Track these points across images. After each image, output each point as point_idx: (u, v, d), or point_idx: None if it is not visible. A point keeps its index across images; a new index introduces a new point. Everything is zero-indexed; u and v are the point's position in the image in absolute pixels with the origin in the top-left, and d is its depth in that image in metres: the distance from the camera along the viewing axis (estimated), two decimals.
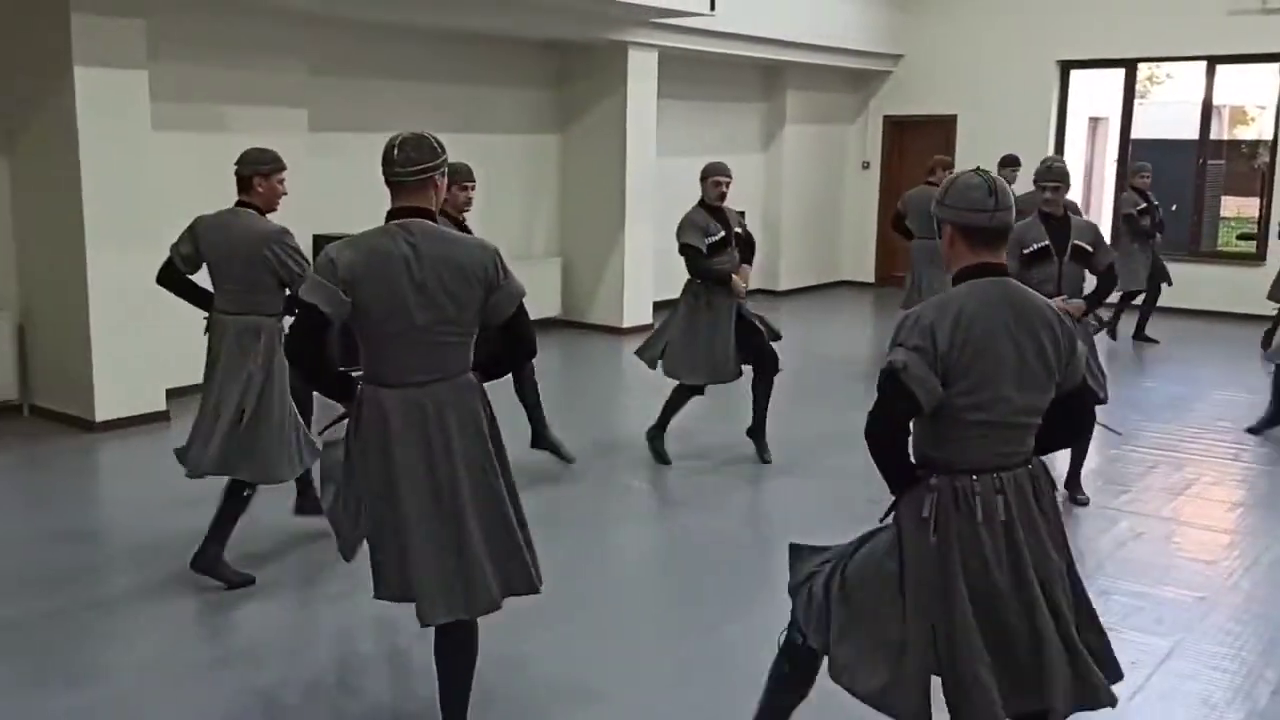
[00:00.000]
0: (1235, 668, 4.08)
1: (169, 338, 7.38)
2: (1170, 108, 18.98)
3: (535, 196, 11.01)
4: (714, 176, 6.35)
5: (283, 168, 4.68)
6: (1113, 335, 10.52)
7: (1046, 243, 5.58)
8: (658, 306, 11.43)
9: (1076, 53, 12.92)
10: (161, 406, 7.23)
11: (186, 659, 4.02)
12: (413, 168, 3.09)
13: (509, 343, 3.28)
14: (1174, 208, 11.66)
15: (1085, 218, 6.40)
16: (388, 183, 3.13)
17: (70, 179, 6.75)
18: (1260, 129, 14.02)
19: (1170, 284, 10.67)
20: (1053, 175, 5.68)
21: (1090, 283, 5.70)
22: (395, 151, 3.09)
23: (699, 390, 6.46)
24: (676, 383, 6.45)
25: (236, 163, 4.63)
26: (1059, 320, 2.72)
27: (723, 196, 6.36)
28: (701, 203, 6.39)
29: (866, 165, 14.56)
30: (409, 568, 3.11)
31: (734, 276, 6.28)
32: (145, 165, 7.05)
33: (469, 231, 5.60)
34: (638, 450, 6.70)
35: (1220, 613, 4.57)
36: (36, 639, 4.14)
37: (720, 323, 6.25)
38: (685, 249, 6.30)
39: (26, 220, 7.18)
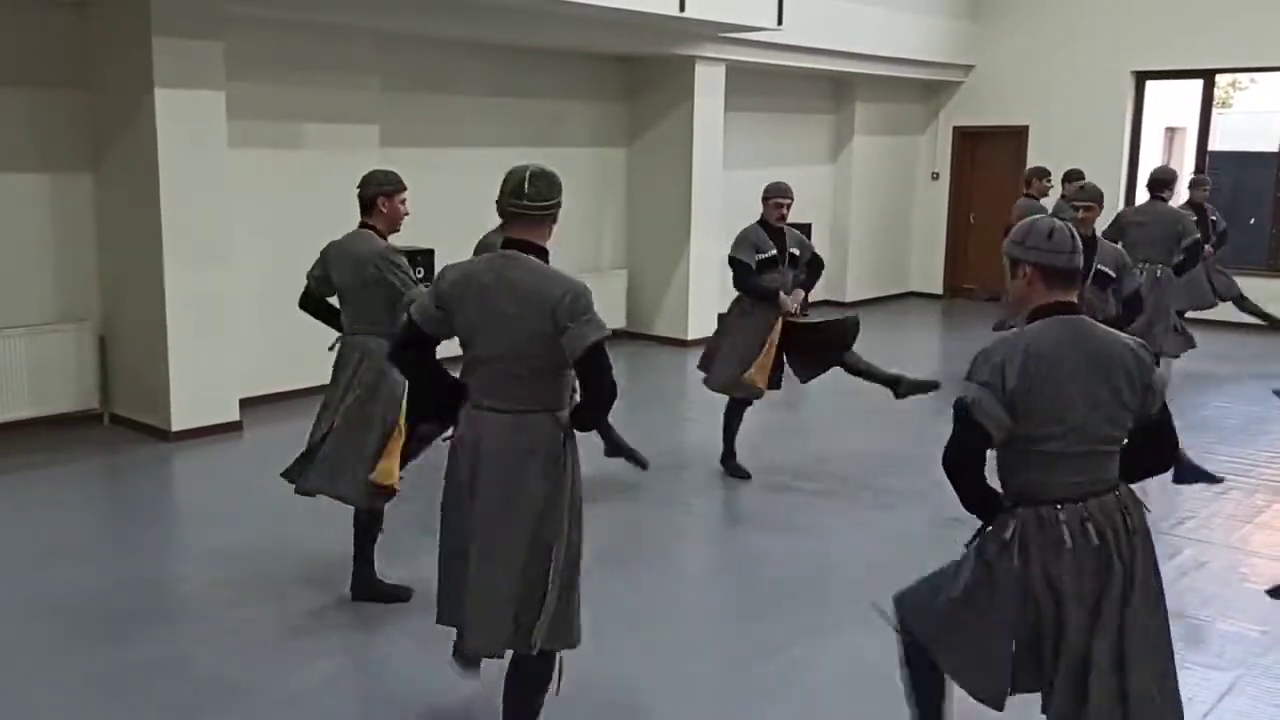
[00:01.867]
0: None
1: (243, 350, 7.64)
2: (1253, 118, 18.49)
3: (602, 209, 11.11)
4: (774, 198, 6.37)
5: (403, 188, 4.68)
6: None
7: None
8: (722, 319, 11.47)
9: (1152, 63, 12.67)
10: (235, 417, 7.45)
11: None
12: (540, 202, 3.14)
13: (583, 387, 3.19)
14: (1251, 221, 11.34)
15: (1112, 243, 6.31)
16: (506, 211, 3.16)
17: (150, 195, 7.00)
18: None
19: (1221, 300, 10.29)
20: (1086, 195, 5.70)
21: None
22: (526, 185, 3.12)
23: (747, 402, 6.49)
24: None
25: (359, 185, 4.68)
26: (1133, 354, 2.79)
27: (783, 218, 6.38)
28: (762, 221, 6.42)
29: (936, 176, 14.43)
30: (460, 592, 3.19)
31: (781, 294, 6.29)
32: (221, 182, 7.28)
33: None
34: (701, 463, 6.74)
35: None
36: (113, 653, 4.32)
37: (756, 337, 6.28)
38: (733, 262, 6.36)
39: (109, 234, 7.46)
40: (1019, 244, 2.83)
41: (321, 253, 4.79)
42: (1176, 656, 4.24)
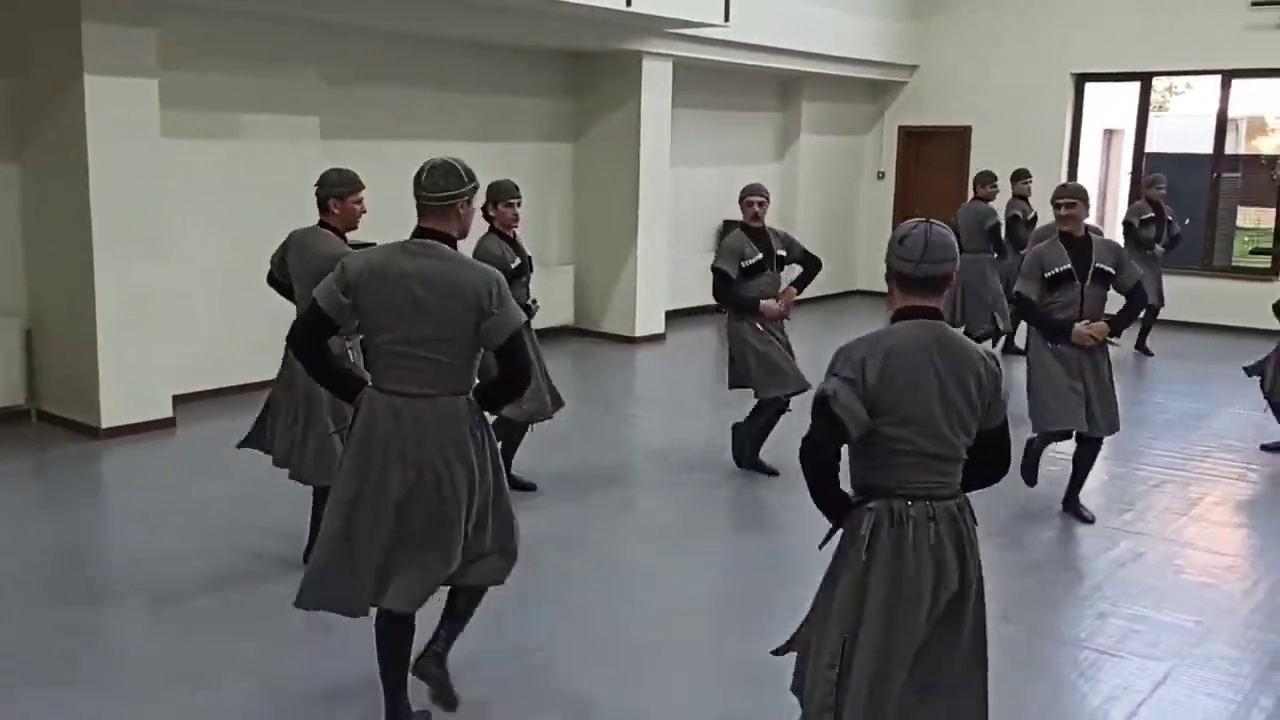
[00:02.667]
0: (1230, 695, 4.04)
1: (178, 345, 7.46)
2: (1188, 120, 18.85)
3: (549, 205, 11.03)
4: (746, 197, 6.29)
5: (357, 189, 4.77)
6: (1148, 351, 10.51)
7: (1068, 266, 5.54)
8: (670, 316, 11.46)
9: (1091, 65, 12.86)
10: (168, 414, 7.28)
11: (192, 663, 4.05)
12: (438, 194, 3.26)
13: (502, 372, 3.34)
14: (1186, 221, 11.56)
15: (1106, 237, 6.30)
16: (417, 203, 3.30)
17: (79, 185, 6.81)
18: (1279, 141, 13.89)
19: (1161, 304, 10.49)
20: (1067, 192, 5.62)
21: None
22: (424, 176, 3.28)
23: (786, 406, 6.34)
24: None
25: (316, 185, 4.79)
26: (984, 363, 2.84)
27: (757, 216, 6.25)
28: (744, 225, 6.33)
29: (882, 175, 14.53)
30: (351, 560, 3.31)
31: (761, 301, 6.20)
32: (155, 172, 7.10)
33: (519, 246, 5.75)
34: (646, 460, 6.69)
35: (1218, 638, 4.52)
36: (45, 646, 4.18)
37: (774, 333, 6.29)
38: (714, 271, 6.27)
39: (36, 226, 7.24)
40: (888, 248, 2.89)
41: (285, 239, 4.88)
42: (1114, 646, 4.30)
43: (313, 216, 4.82)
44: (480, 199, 3.46)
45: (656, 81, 10.77)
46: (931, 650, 2.82)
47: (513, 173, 10.37)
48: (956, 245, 2.85)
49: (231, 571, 4.90)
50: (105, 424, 6.98)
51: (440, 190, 3.25)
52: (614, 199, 10.97)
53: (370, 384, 3.33)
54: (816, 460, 2.84)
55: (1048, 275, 5.55)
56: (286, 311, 4.69)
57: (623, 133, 10.83)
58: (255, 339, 8.09)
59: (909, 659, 2.78)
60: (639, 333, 10.96)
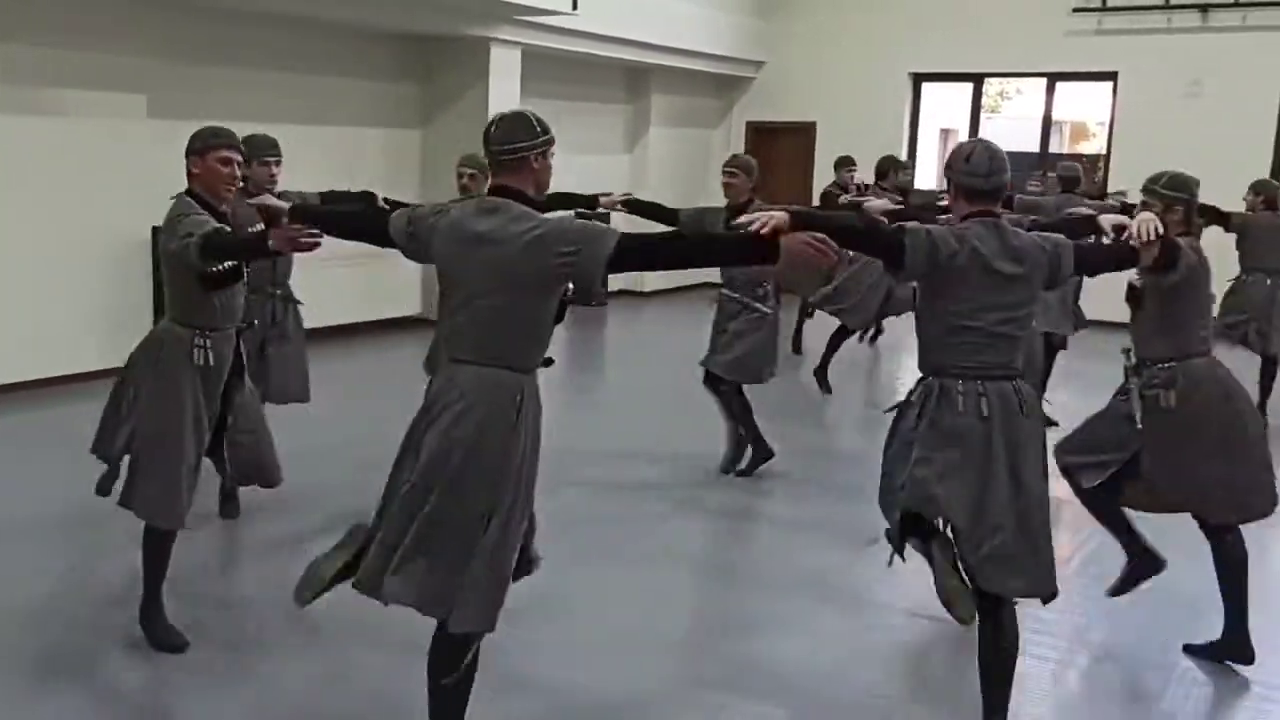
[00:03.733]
0: (1050, 654, 4.24)
1: None
2: (1018, 122, 19.81)
3: (395, 191, 10.67)
4: (458, 168, 6.28)
5: (219, 144, 3.97)
6: None
7: None
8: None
9: (927, 66, 13.38)
10: None
11: None
12: (507, 146, 2.98)
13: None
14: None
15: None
16: (489, 160, 3.04)
17: None
18: (1100, 144, 14.74)
19: None
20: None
21: None
22: (494, 129, 3.01)
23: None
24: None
25: None
26: (1042, 245, 3.41)
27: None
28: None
29: None
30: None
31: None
32: None
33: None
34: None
35: (1035, 601, 4.73)
36: None
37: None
38: None
39: None
40: (950, 167, 3.41)
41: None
42: (941, 612, 4.46)
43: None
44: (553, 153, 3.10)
45: (504, 69, 10.69)
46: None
47: (358, 157, 10.17)
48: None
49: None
50: None
51: (509, 142, 2.96)
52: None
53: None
54: (860, 239, 3.68)
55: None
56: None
57: (471, 120, 10.67)
58: (76, 326, 7.69)
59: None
60: None
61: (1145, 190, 4.03)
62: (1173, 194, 3.98)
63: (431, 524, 2.91)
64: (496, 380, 2.94)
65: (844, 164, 10.32)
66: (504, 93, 10.72)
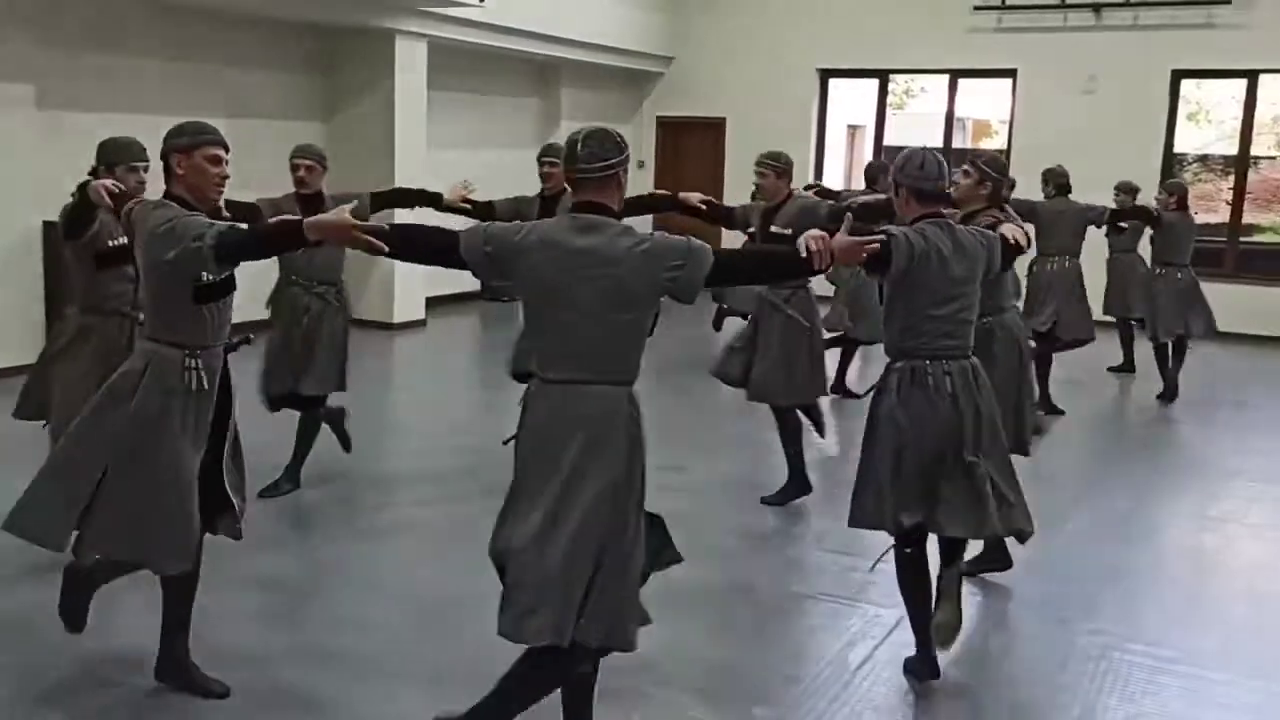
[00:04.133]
0: (961, 638, 4.33)
1: None
2: (923, 118, 20.19)
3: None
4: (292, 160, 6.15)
5: (126, 159, 4.27)
6: None
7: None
8: (430, 303, 11.25)
9: (834, 62, 13.55)
10: None
11: None
12: (596, 163, 2.99)
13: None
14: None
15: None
16: (572, 178, 3.04)
17: None
18: (1002, 141, 15.09)
19: None
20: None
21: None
22: (580, 147, 3.00)
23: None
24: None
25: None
26: (981, 240, 3.86)
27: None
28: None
29: (641, 165, 14.76)
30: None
31: None
32: None
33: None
34: (415, 445, 6.52)
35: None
36: None
37: None
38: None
39: None
40: (900, 173, 3.78)
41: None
42: (851, 598, 4.53)
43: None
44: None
45: (411, 62, 10.55)
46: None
47: (258, 150, 9.91)
48: None
49: None
50: None
51: (599, 160, 2.98)
52: (369, 181, 10.45)
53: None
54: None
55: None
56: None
57: (377, 113, 10.54)
58: None
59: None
60: (398, 319, 10.71)
61: (970, 163, 4.69)
62: (988, 171, 4.65)
63: (604, 560, 2.93)
64: (617, 396, 2.98)
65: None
66: (410, 86, 10.58)
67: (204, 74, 9.43)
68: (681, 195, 5.81)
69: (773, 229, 5.52)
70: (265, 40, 10.03)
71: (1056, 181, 8.18)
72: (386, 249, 3.09)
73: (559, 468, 2.92)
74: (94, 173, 4.12)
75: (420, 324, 10.92)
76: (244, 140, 9.63)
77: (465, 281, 12.48)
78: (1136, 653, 4.19)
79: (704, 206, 5.75)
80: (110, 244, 4.41)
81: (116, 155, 4.40)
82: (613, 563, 2.95)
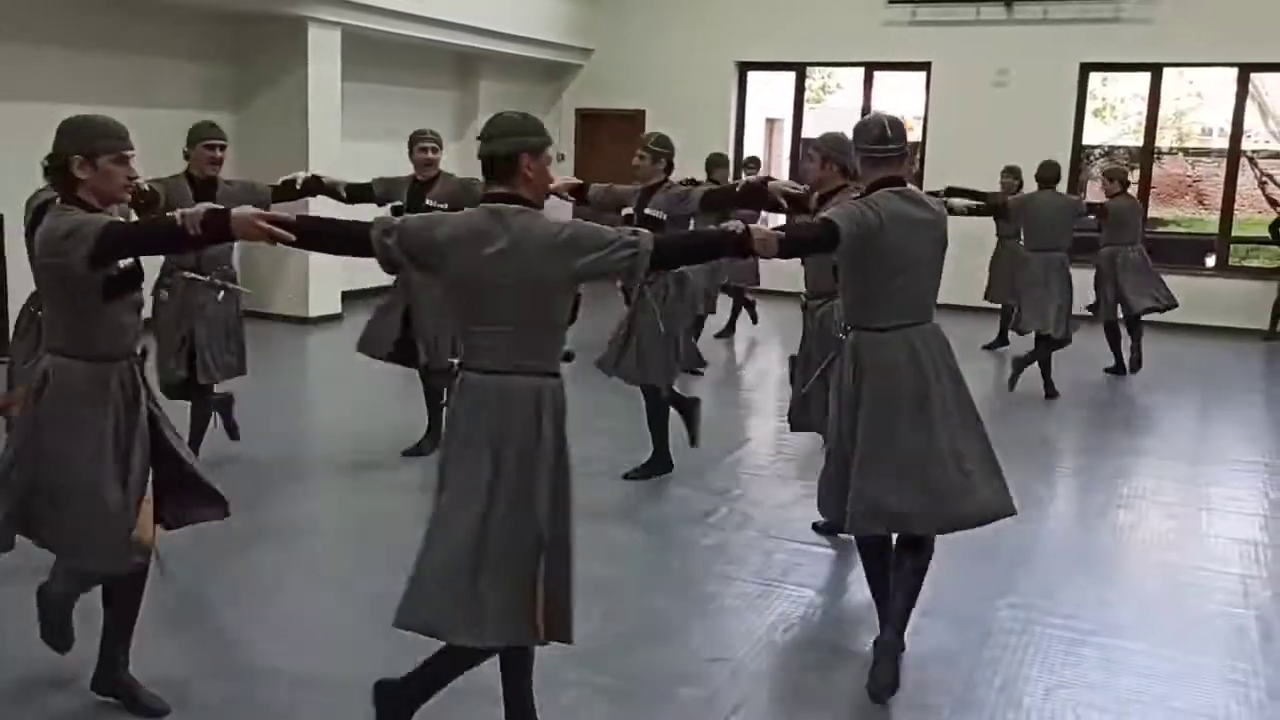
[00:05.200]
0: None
1: None
2: (840, 113, 20.43)
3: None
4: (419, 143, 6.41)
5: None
6: None
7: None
8: (348, 297, 11.04)
9: (752, 54, 13.62)
10: None
11: None
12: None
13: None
14: None
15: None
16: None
17: None
18: (916, 134, 15.31)
19: None
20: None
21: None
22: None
23: None
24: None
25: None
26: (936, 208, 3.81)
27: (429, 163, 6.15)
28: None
29: (561, 157, 14.67)
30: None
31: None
32: None
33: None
34: (332, 442, 6.39)
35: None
36: None
37: None
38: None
39: None
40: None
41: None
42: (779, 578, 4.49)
43: None
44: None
45: (324, 51, 10.34)
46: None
47: (164, 141, 9.65)
48: None
49: None
50: None
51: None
52: (281, 172, 10.31)
53: None
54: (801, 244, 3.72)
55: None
56: None
57: (289, 104, 10.31)
58: None
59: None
60: (313, 313, 10.50)
61: (813, 148, 4.91)
62: (830, 151, 4.74)
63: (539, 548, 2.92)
64: (536, 386, 2.92)
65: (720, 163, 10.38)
66: (323, 76, 10.37)
67: (103, 61, 9.11)
68: (771, 184, 5.34)
69: (646, 211, 5.61)
70: (170, 28, 9.73)
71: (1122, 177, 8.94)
72: (293, 238, 2.97)
73: (481, 458, 2.88)
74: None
75: (336, 318, 10.71)
76: (147, 130, 9.36)
77: (382, 275, 12.28)
78: (1056, 625, 4.26)
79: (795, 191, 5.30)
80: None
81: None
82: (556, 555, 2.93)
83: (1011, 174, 10.03)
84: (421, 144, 6.20)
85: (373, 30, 10.69)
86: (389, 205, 6.07)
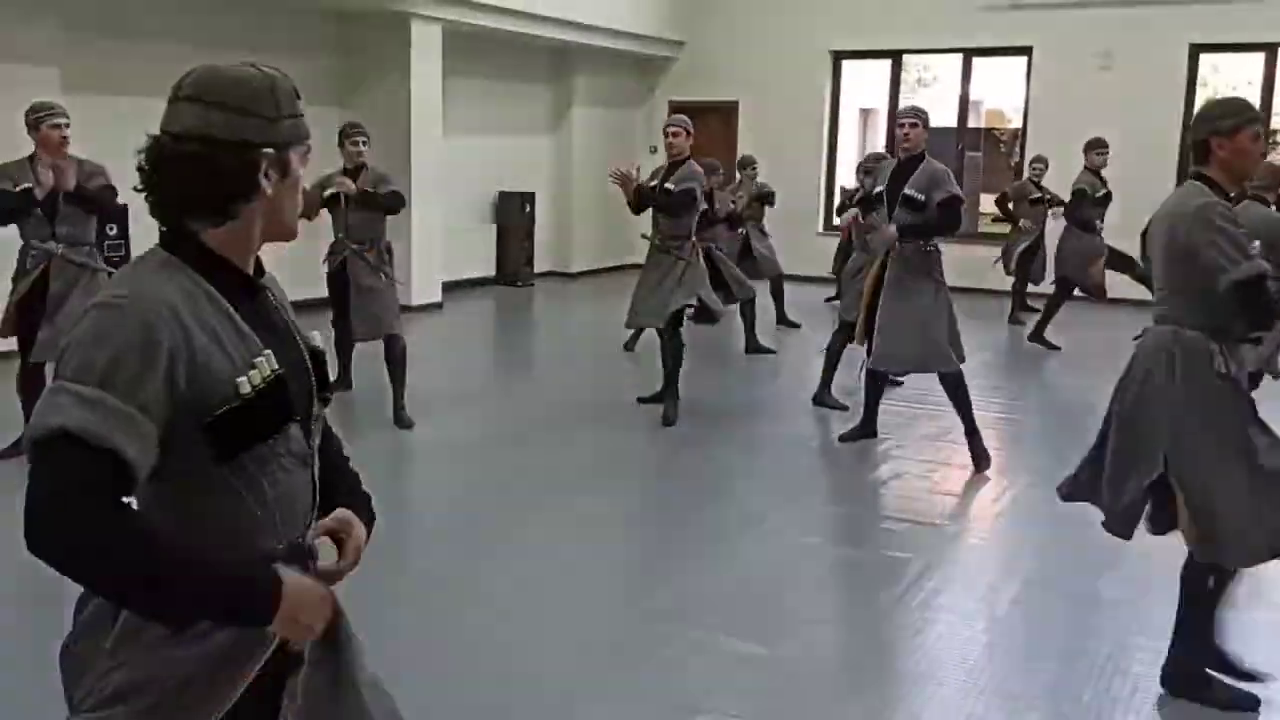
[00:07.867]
0: (981, 582, 4.34)
1: None
2: (937, 103, 20.17)
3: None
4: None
5: (47, 115, 4.95)
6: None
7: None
8: (448, 288, 11.29)
9: (847, 44, 13.53)
10: None
11: None
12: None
13: None
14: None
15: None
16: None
17: None
18: (1017, 121, 15.04)
19: None
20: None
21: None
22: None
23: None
24: None
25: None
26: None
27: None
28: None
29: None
30: None
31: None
32: None
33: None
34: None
35: (969, 537, 4.87)
36: None
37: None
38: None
39: None
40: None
41: None
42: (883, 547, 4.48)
43: None
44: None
45: (426, 46, 10.60)
46: None
47: None
48: None
49: None
50: None
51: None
52: (386, 167, 10.62)
53: None
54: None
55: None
56: None
57: (393, 99, 10.59)
58: None
59: None
60: (415, 302, 10.75)
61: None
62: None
63: None
64: None
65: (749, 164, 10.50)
66: (426, 71, 10.63)
67: (222, 59, 9.26)
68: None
69: (668, 186, 6.61)
70: (281, 24, 10.08)
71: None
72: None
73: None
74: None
75: (438, 307, 10.96)
76: None
77: (481, 267, 12.53)
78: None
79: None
80: None
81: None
82: None
83: (1041, 161, 9.83)
84: (354, 137, 6.86)
85: (472, 25, 10.92)
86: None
